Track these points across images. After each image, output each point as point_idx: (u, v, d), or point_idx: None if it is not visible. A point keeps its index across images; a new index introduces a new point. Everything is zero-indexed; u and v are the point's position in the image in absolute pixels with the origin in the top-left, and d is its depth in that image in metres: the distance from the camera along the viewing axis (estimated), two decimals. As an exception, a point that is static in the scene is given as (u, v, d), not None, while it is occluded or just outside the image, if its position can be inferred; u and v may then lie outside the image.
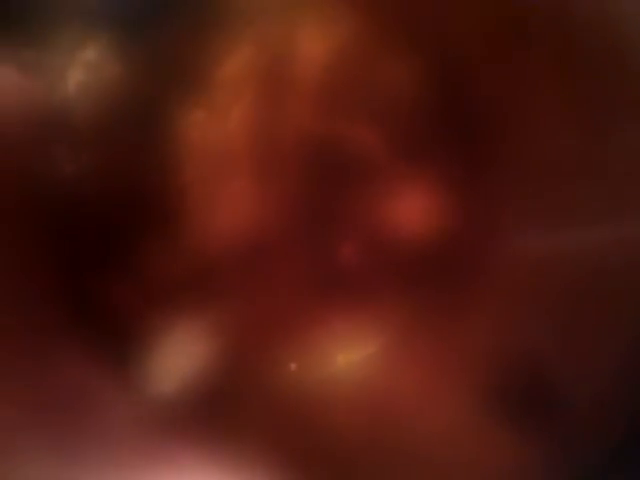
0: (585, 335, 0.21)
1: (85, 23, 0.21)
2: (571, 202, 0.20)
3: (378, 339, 0.21)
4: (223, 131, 0.21)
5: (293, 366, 0.21)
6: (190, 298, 0.21)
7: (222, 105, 0.21)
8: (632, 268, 0.20)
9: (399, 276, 0.21)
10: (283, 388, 0.21)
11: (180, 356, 0.21)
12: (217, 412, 0.20)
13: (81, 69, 0.20)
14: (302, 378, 0.21)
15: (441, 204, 0.21)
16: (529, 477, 0.21)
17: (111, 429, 0.20)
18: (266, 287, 0.21)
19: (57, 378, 0.20)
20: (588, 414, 0.20)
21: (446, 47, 0.21)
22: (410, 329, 0.21)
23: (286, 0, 0.21)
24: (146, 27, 0.21)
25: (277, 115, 0.21)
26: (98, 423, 0.20)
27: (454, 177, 0.21)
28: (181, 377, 0.21)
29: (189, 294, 0.21)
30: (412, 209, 0.21)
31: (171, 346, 0.21)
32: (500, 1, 0.21)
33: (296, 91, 0.21)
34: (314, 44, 0.21)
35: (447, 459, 0.21)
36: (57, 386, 0.20)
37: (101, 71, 0.20)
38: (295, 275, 0.21)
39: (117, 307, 0.21)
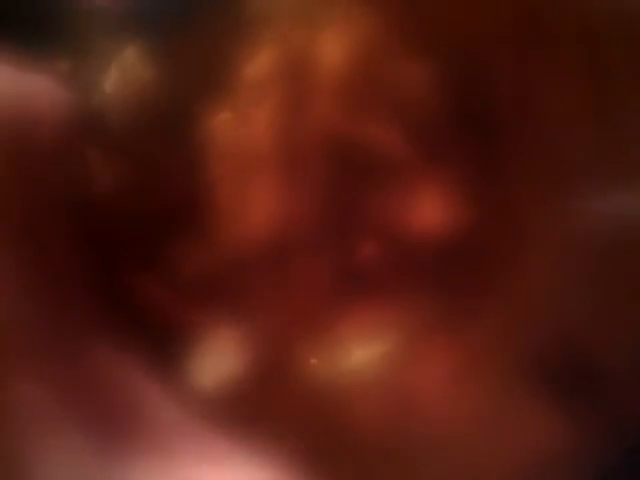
0: (616, 304, 0.21)
1: (116, 31, 0.22)
2: (583, 188, 0.20)
3: (401, 333, 0.21)
4: (249, 132, 0.21)
5: (314, 361, 0.21)
6: (221, 293, 0.22)
7: (248, 106, 0.21)
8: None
9: (420, 271, 0.21)
10: (303, 380, 0.21)
11: (217, 351, 0.22)
12: (248, 408, 0.21)
13: (114, 76, 0.22)
14: (321, 370, 0.21)
15: (460, 201, 0.21)
16: (579, 455, 0.21)
17: (155, 427, 0.21)
18: (291, 283, 0.22)
19: (99, 376, 0.21)
20: (629, 382, 0.20)
21: (464, 48, 0.21)
22: (433, 320, 0.21)
23: (308, 2, 0.21)
24: (174, 32, 0.22)
25: (301, 115, 0.21)
26: (142, 422, 0.21)
27: (472, 174, 0.21)
28: (219, 373, 0.22)
29: (220, 290, 0.22)
30: (432, 206, 0.21)
31: (207, 341, 0.22)
32: (517, 1, 0.21)
33: (318, 92, 0.21)
34: (335, 46, 0.21)
35: (478, 446, 0.21)
36: (98, 383, 0.21)
37: (133, 77, 0.21)
38: (318, 271, 0.21)
39: (153, 305, 0.22)
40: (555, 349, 0.21)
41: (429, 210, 0.21)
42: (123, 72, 0.22)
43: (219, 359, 0.22)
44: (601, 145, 0.20)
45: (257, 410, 0.21)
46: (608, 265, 0.21)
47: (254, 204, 0.22)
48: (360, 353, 0.21)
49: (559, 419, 0.21)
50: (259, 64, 0.21)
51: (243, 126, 0.21)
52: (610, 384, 0.21)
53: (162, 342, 0.22)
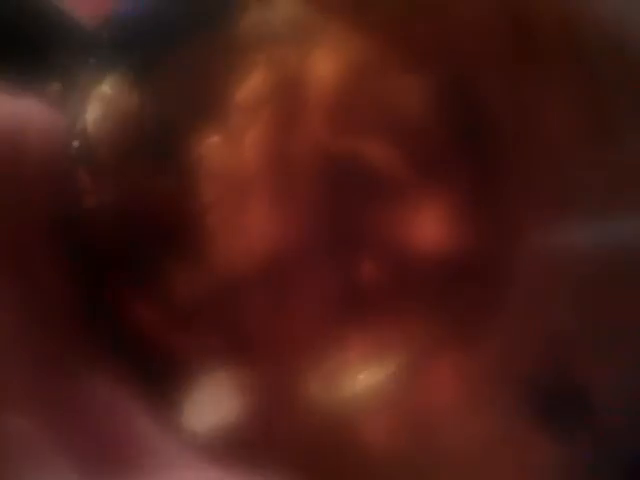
0: (616, 328, 0.20)
1: (105, 56, 0.21)
2: (581, 203, 0.20)
3: (403, 356, 0.21)
4: (241, 154, 0.21)
5: (313, 386, 0.21)
6: (216, 319, 0.21)
7: (238, 129, 0.21)
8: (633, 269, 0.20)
9: (422, 292, 0.21)
10: (307, 410, 0.21)
11: (213, 383, 0.21)
12: (249, 442, 0.21)
13: (100, 100, 0.21)
14: (325, 399, 0.21)
15: (459, 218, 0.21)
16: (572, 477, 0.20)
17: (151, 461, 0.20)
18: (288, 307, 0.21)
19: (91, 410, 0.20)
20: (622, 412, 0.20)
21: (455, 65, 0.21)
22: (436, 344, 0.21)
23: (298, 24, 0.21)
24: (163, 57, 0.21)
25: (293, 137, 0.21)
26: (137, 456, 0.20)
27: (470, 191, 0.21)
28: (217, 406, 0.21)
29: (214, 315, 0.21)
30: (430, 224, 0.21)
31: (203, 370, 0.21)
32: (508, 18, 0.21)
33: (310, 113, 0.21)
34: (327, 66, 0.21)
35: (481, 469, 0.21)
36: (91, 417, 0.20)
37: (118, 102, 0.21)
38: (317, 294, 0.21)
39: (145, 332, 0.21)
40: (553, 375, 0.21)
41: (428, 228, 0.21)
42: (111, 96, 0.21)
43: (216, 391, 0.21)
44: (599, 163, 0.21)
45: (259, 443, 0.21)
46: (606, 281, 0.21)
47: (247, 226, 0.21)
48: (364, 377, 0.21)
49: (549, 442, 0.20)
50: (250, 87, 0.21)
51: (234, 149, 0.21)
52: (603, 416, 0.20)
53: (156, 373, 0.21)
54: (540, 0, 0.21)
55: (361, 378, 0.21)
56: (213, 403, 0.21)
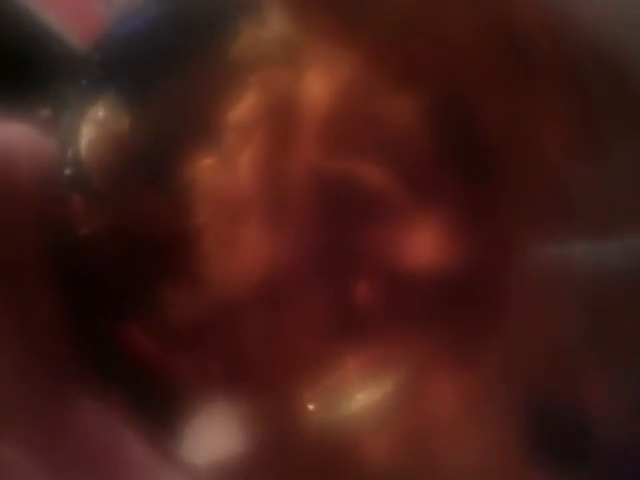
0: (616, 343, 0.20)
1: (96, 79, 0.21)
2: (575, 218, 0.20)
3: (401, 374, 0.21)
4: (234, 176, 0.21)
5: (311, 407, 0.21)
6: (208, 341, 0.21)
7: (232, 151, 0.21)
8: (630, 288, 0.20)
9: (417, 310, 0.21)
10: (306, 431, 0.21)
11: (207, 408, 0.21)
12: (246, 463, 0.21)
13: (92, 124, 0.21)
14: (324, 419, 0.21)
15: (453, 235, 0.21)
16: None
17: None
18: (283, 329, 0.21)
19: (83, 437, 0.20)
20: (618, 442, 0.20)
21: (449, 83, 0.21)
22: (433, 361, 0.21)
23: (290, 44, 0.21)
24: (153, 79, 0.21)
25: (286, 158, 0.21)
26: None
27: (464, 208, 0.21)
28: (213, 434, 0.21)
29: (207, 337, 0.21)
30: (425, 243, 0.21)
31: (197, 394, 0.21)
32: (501, 37, 0.21)
33: (303, 134, 0.21)
34: (319, 86, 0.21)
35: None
36: (82, 445, 0.20)
37: (111, 125, 0.21)
38: (311, 315, 0.21)
39: (139, 355, 0.21)
40: (551, 386, 0.21)
41: (422, 247, 0.21)
42: (103, 120, 0.21)
43: (215, 419, 0.21)
44: (592, 178, 0.21)
45: (258, 467, 0.21)
46: (606, 295, 0.21)
47: (241, 248, 0.21)
48: (362, 396, 0.21)
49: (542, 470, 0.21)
50: (243, 108, 0.21)
51: (228, 171, 0.21)
52: (600, 446, 0.20)
53: (153, 400, 0.21)
54: (533, 19, 0.21)
55: (359, 397, 0.21)
56: (212, 432, 0.21)
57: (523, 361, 0.20)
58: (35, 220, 0.21)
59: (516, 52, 0.21)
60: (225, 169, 0.21)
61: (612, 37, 0.21)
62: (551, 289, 0.20)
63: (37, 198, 0.21)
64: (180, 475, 0.20)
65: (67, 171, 0.21)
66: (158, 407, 0.21)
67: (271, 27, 0.21)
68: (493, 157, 0.21)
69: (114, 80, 0.21)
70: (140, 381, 0.21)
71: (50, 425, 0.20)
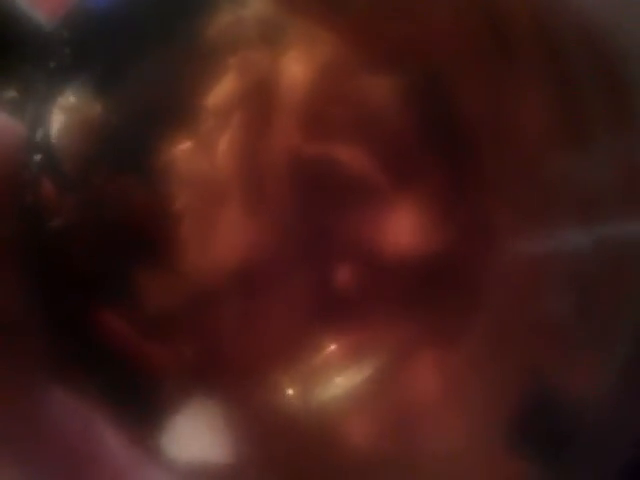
0: (599, 325, 0.21)
1: (66, 59, 0.20)
2: (557, 206, 0.20)
3: (382, 357, 0.21)
4: (212, 160, 0.21)
5: (290, 392, 0.21)
6: (186, 327, 0.21)
7: (210, 134, 0.21)
8: (614, 270, 0.20)
9: (397, 294, 0.21)
10: (287, 417, 0.21)
11: (186, 401, 0.21)
12: (228, 454, 0.20)
13: (62, 109, 0.20)
14: (305, 404, 0.21)
15: (433, 220, 0.21)
16: None
17: None
18: (262, 314, 0.21)
19: (56, 427, 0.20)
20: (596, 434, 0.21)
21: (428, 64, 0.20)
22: (415, 344, 0.21)
23: (268, 26, 0.21)
24: (127, 60, 0.20)
25: (265, 141, 0.21)
26: (104, 477, 0.20)
27: (445, 191, 0.21)
28: (192, 427, 0.21)
29: (185, 323, 0.21)
30: (405, 225, 0.21)
31: (175, 385, 0.21)
32: (482, 17, 0.20)
33: (282, 117, 0.21)
34: (298, 68, 0.21)
35: (462, 470, 0.21)
36: (56, 436, 0.20)
37: (82, 110, 0.20)
38: (292, 299, 0.21)
39: (115, 344, 0.20)
40: (535, 369, 0.21)
41: (402, 231, 0.21)
42: (74, 104, 0.20)
43: (195, 413, 0.21)
44: (574, 166, 0.21)
45: (240, 458, 0.21)
46: (589, 279, 0.21)
47: (219, 233, 0.21)
48: (343, 380, 0.21)
49: (522, 461, 0.21)
50: (221, 91, 0.20)
51: (205, 155, 0.21)
52: (578, 438, 0.21)
53: (131, 391, 0.21)
54: (514, -1, 0.21)
55: (340, 382, 0.21)
56: (194, 426, 0.20)
57: (507, 343, 0.21)
58: (3, 207, 0.20)
59: (497, 32, 0.21)
60: (203, 153, 0.21)
61: (598, 19, 0.20)
62: (534, 270, 0.21)
63: (4, 184, 0.20)
64: (161, 471, 0.20)
65: (36, 156, 0.20)
66: (136, 399, 0.20)
67: (251, 6, 0.20)
68: (474, 140, 0.21)
69: (84, 59, 0.20)
70: (117, 371, 0.20)
71: (21, 417, 0.20)
